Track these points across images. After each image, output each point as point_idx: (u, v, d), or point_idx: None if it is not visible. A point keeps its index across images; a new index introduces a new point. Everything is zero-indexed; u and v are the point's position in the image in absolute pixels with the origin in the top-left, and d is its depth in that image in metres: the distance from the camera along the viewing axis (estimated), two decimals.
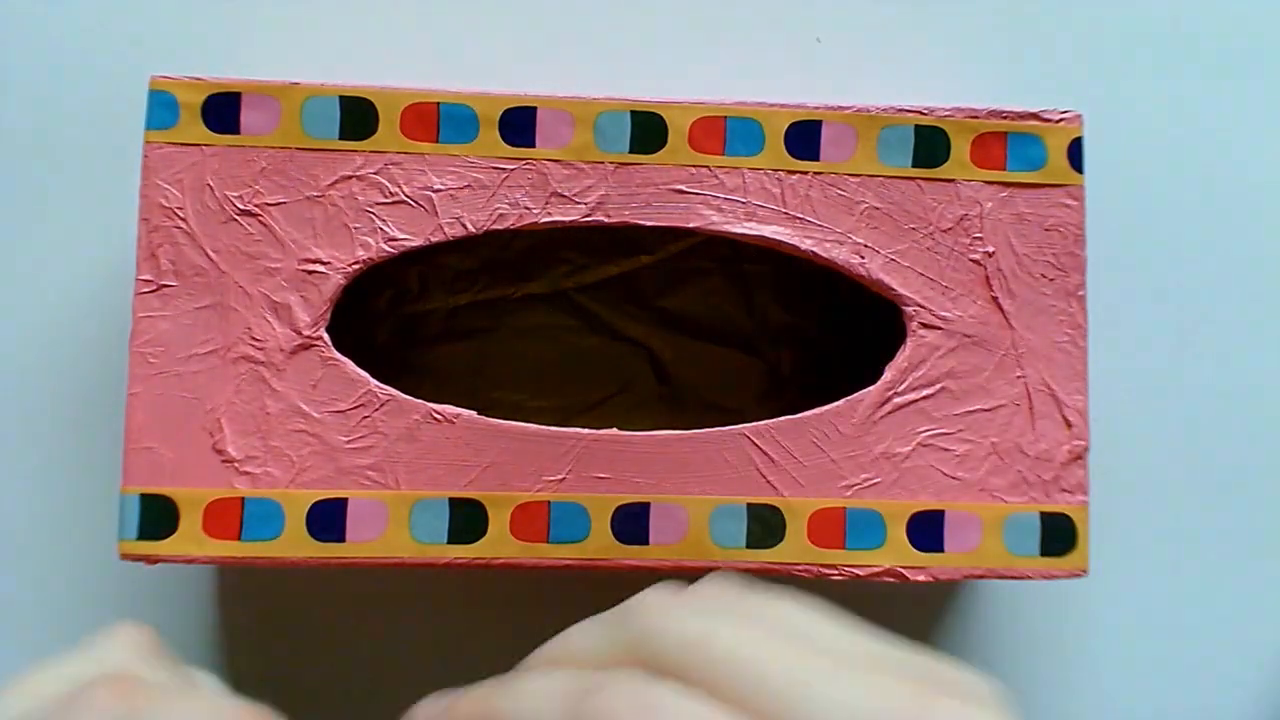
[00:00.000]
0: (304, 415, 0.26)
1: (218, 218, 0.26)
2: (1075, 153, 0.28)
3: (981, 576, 0.27)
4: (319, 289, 0.27)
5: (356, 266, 0.27)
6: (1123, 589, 0.34)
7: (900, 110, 0.28)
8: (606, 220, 0.27)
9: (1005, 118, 0.28)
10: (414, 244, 0.27)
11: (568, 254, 0.33)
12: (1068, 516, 0.27)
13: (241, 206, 0.27)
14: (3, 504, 0.32)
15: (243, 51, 0.33)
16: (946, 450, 0.27)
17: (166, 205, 0.26)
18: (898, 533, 0.27)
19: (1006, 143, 0.28)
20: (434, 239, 0.27)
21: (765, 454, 0.27)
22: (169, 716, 0.17)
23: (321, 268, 0.27)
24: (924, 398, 0.27)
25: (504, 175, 0.27)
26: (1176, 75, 0.35)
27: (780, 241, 0.27)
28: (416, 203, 0.27)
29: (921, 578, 0.27)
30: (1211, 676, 0.34)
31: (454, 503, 0.26)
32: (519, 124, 0.27)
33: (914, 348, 0.27)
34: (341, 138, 0.27)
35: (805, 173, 0.27)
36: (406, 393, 0.26)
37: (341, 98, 0.27)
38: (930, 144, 0.28)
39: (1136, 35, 0.35)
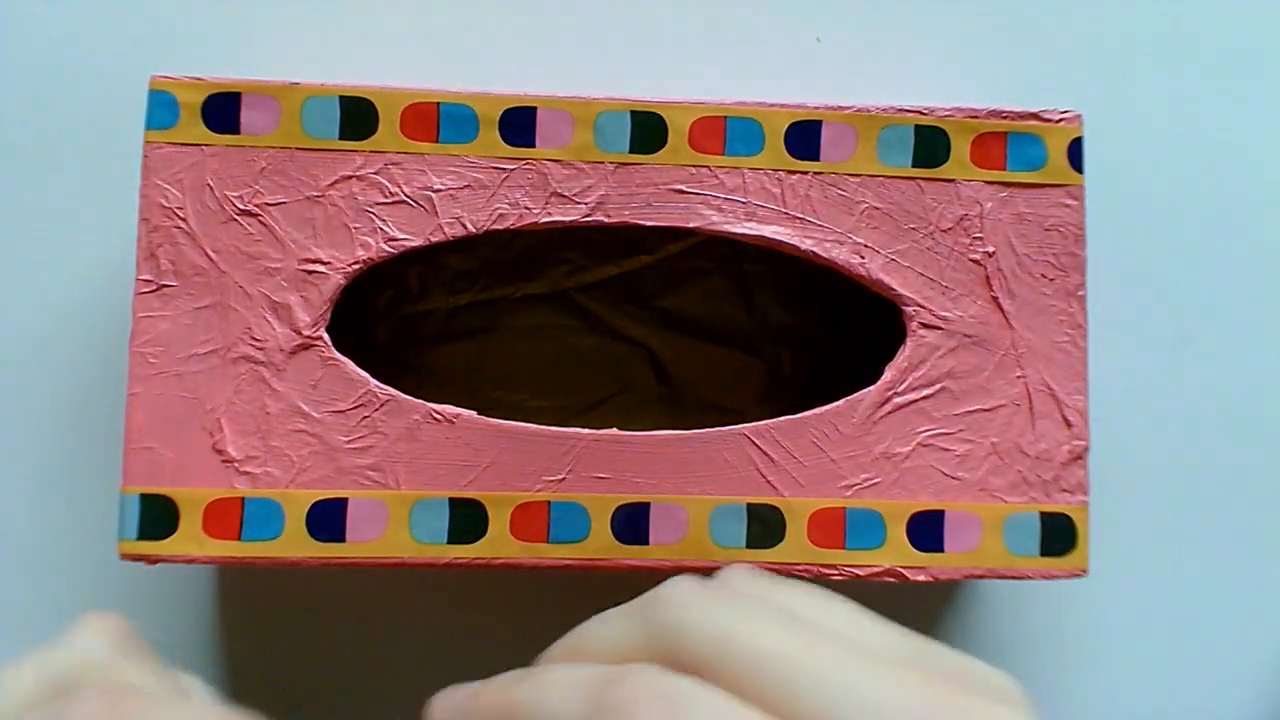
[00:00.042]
0: (304, 415, 0.26)
1: (218, 218, 0.26)
2: (1075, 153, 0.28)
3: (981, 576, 0.27)
4: (319, 289, 0.27)
5: (356, 266, 0.27)
6: (1123, 589, 0.34)
7: (900, 110, 0.28)
8: (606, 220, 0.27)
9: (1005, 118, 0.28)
10: (414, 244, 0.27)
11: (568, 254, 0.33)
12: (1068, 516, 0.27)
13: (241, 206, 0.27)
14: (3, 504, 0.32)
15: (243, 51, 0.33)
16: (946, 450, 0.27)
17: (166, 205, 0.26)
18: (898, 533, 0.27)
19: (1006, 143, 0.28)
20: (434, 239, 0.27)
21: (765, 454, 0.27)
22: None
23: (321, 268, 0.27)
24: (924, 398, 0.27)
25: (504, 175, 0.27)
26: (1176, 75, 0.35)
27: (780, 241, 0.27)
28: (416, 203, 0.27)
29: (921, 578, 0.27)
30: (1211, 676, 0.34)
31: (454, 503, 0.26)
32: (519, 124, 0.27)
33: (914, 348, 0.27)
34: (341, 138, 0.27)
35: (805, 173, 0.27)
36: (406, 393, 0.26)
37: (341, 98, 0.27)
38: (930, 144, 0.28)
39: (1136, 35, 0.35)
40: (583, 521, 0.26)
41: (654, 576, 0.26)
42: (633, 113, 0.27)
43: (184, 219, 0.26)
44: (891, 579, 0.27)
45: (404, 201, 0.27)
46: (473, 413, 0.26)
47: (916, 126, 0.28)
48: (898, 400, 0.27)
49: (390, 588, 0.33)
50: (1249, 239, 0.35)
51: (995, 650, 0.34)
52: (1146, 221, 0.35)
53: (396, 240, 0.27)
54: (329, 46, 0.33)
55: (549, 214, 0.27)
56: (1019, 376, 0.28)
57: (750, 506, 0.27)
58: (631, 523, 0.26)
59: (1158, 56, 0.35)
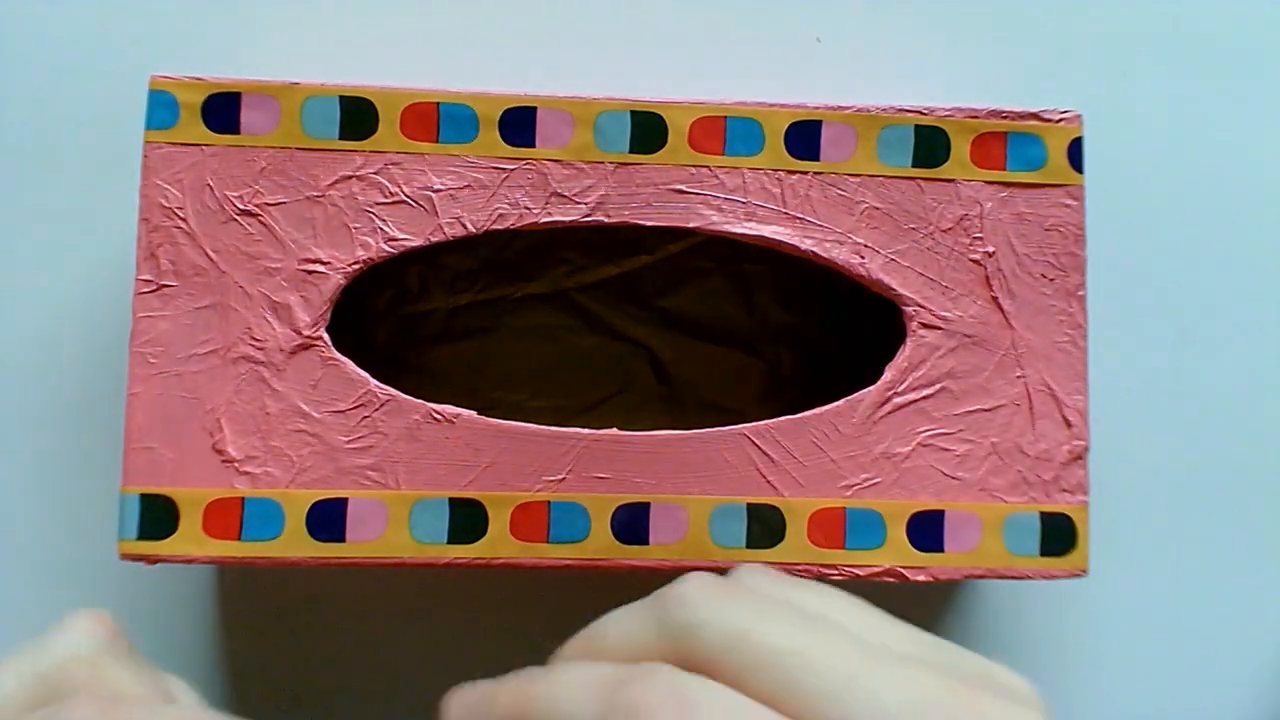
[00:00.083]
0: (304, 415, 0.26)
1: (218, 218, 0.26)
2: (1075, 153, 0.28)
3: (981, 576, 0.27)
4: (319, 289, 0.27)
5: (356, 266, 0.27)
6: (1123, 589, 0.34)
7: (900, 110, 0.28)
8: (606, 220, 0.27)
9: (1005, 118, 0.28)
10: (414, 244, 0.27)
11: (568, 254, 0.33)
12: (1068, 516, 0.27)
13: (241, 206, 0.27)
14: (3, 504, 0.32)
15: (243, 51, 0.33)
16: (946, 450, 0.27)
17: (166, 205, 0.26)
18: (898, 533, 0.27)
19: (1006, 143, 0.28)
20: (434, 239, 0.27)
21: (765, 454, 0.27)
22: None
23: (321, 268, 0.27)
24: (924, 398, 0.27)
25: (504, 175, 0.27)
26: (1176, 75, 0.35)
27: (780, 241, 0.27)
28: (416, 203, 0.27)
29: (921, 578, 0.27)
30: (1211, 676, 0.34)
31: (454, 503, 0.26)
32: (519, 124, 0.27)
33: (914, 348, 0.27)
34: (341, 138, 0.27)
35: (805, 173, 0.27)
36: (406, 393, 0.26)
37: (341, 98, 0.27)
38: (930, 144, 0.28)
39: (1136, 35, 0.35)
40: (583, 521, 0.26)
41: (654, 576, 0.26)
42: (633, 113, 0.27)
43: (184, 219, 0.26)
44: (891, 579, 0.27)
45: (404, 201, 0.27)
46: (473, 413, 0.26)
47: (916, 126, 0.28)
48: (898, 400, 0.27)
49: (390, 588, 0.33)
50: (1249, 239, 0.35)
51: (995, 650, 0.34)
52: (1146, 221, 0.35)
53: (396, 240, 0.27)
54: (329, 46, 0.33)
55: (549, 214, 0.27)
56: (1019, 376, 0.28)
57: (750, 506, 0.27)
58: (631, 523, 0.26)
59: (1158, 56, 0.35)
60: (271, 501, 0.26)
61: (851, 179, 0.28)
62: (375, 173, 0.27)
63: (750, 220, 0.27)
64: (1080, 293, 0.28)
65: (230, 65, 0.33)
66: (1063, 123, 0.28)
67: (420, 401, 0.26)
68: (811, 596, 0.18)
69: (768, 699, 0.16)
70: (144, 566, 0.32)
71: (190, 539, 0.26)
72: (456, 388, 0.33)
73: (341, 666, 0.32)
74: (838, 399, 0.27)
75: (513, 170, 0.27)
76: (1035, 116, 0.28)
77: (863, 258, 0.28)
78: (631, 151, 0.27)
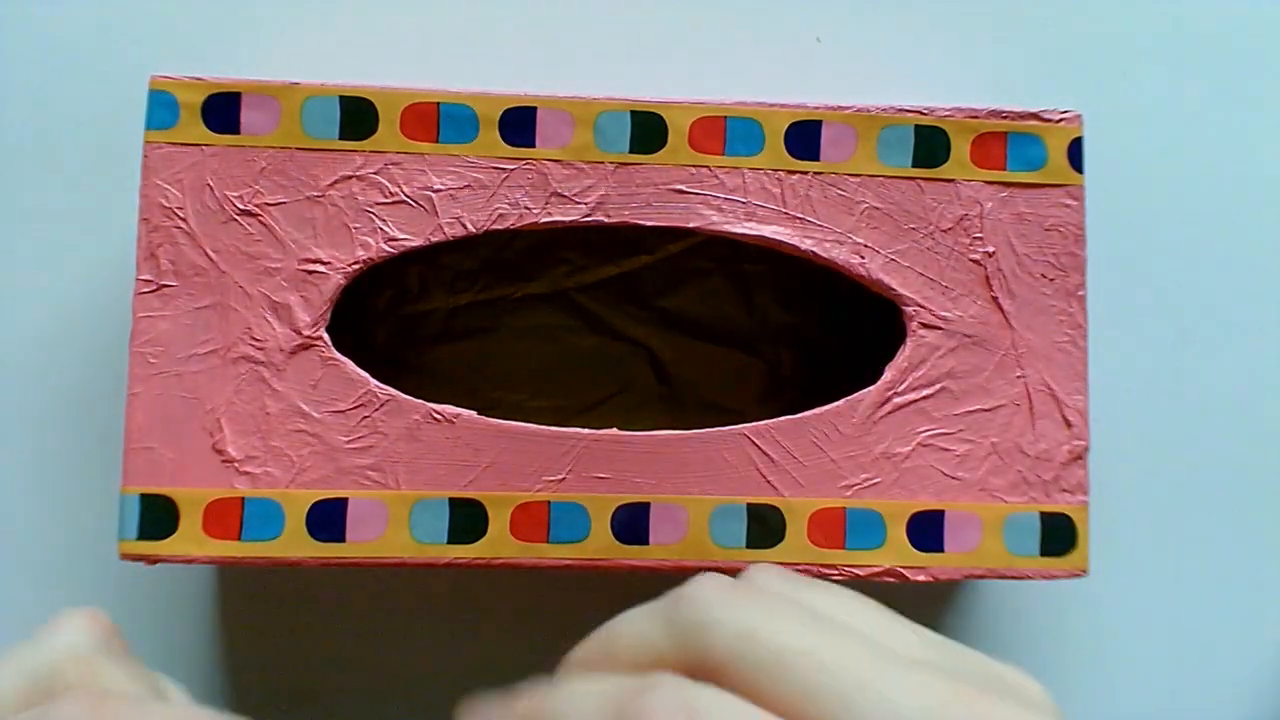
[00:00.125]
0: (304, 415, 0.26)
1: (218, 218, 0.26)
2: (1075, 153, 0.28)
3: (981, 576, 0.27)
4: (319, 289, 0.27)
5: (356, 266, 0.27)
6: (1123, 589, 0.34)
7: (900, 110, 0.28)
8: (606, 220, 0.27)
9: (1005, 118, 0.28)
10: (414, 244, 0.27)
11: (568, 254, 0.33)
12: (1068, 516, 0.27)
13: (241, 206, 0.27)
14: (3, 504, 0.32)
15: (243, 51, 0.33)
16: (946, 450, 0.27)
17: (166, 205, 0.26)
18: (898, 533, 0.27)
19: (1006, 143, 0.28)
20: (434, 239, 0.27)
21: (765, 454, 0.27)
22: None
23: (321, 268, 0.27)
24: (924, 398, 0.27)
25: (504, 175, 0.27)
26: (1176, 75, 0.35)
27: (780, 241, 0.27)
28: (416, 203, 0.27)
29: (921, 578, 0.27)
30: (1211, 676, 0.34)
31: (454, 503, 0.26)
32: (519, 124, 0.27)
33: (914, 348, 0.27)
34: (341, 138, 0.27)
35: (805, 173, 0.27)
36: (406, 393, 0.26)
37: (341, 98, 0.27)
38: (930, 144, 0.28)
39: (1136, 35, 0.35)
40: (583, 521, 0.26)
41: (654, 576, 0.26)
42: (633, 113, 0.27)
43: (184, 219, 0.26)
44: (891, 579, 0.27)
45: (404, 201, 0.27)
46: (473, 413, 0.26)
47: (916, 126, 0.28)
48: (898, 400, 0.27)
49: (390, 588, 0.33)
50: (1249, 239, 0.35)
51: (995, 650, 0.34)
52: (1146, 221, 0.35)
53: (396, 240, 0.27)
54: (329, 46, 0.33)
55: (549, 214, 0.27)
56: (1019, 376, 0.28)
57: (750, 506, 0.27)
58: (631, 523, 0.26)
59: (1158, 56, 0.35)
60: (271, 501, 0.26)
61: (851, 179, 0.28)
62: (375, 173, 0.27)
63: (750, 220, 0.27)
64: (1080, 293, 0.28)
65: (230, 65, 0.33)
66: (1063, 123, 0.28)
67: (420, 401, 0.26)
68: (824, 597, 0.18)
69: (780, 700, 0.16)
70: (144, 566, 0.32)
71: (190, 539, 0.26)
72: (456, 388, 0.33)
73: (341, 666, 0.32)
74: (838, 399, 0.27)
75: (513, 170, 0.27)
76: (1035, 116, 0.28)
77: (863, 258, 0.28)
78: (631, 151, 0.27)
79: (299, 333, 0.26)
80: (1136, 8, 0.35)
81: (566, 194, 0.27)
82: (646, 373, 0.33)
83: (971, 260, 0.28)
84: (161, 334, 0.26)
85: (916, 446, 0.27)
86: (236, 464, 0.26)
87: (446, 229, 0.27)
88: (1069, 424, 0.27)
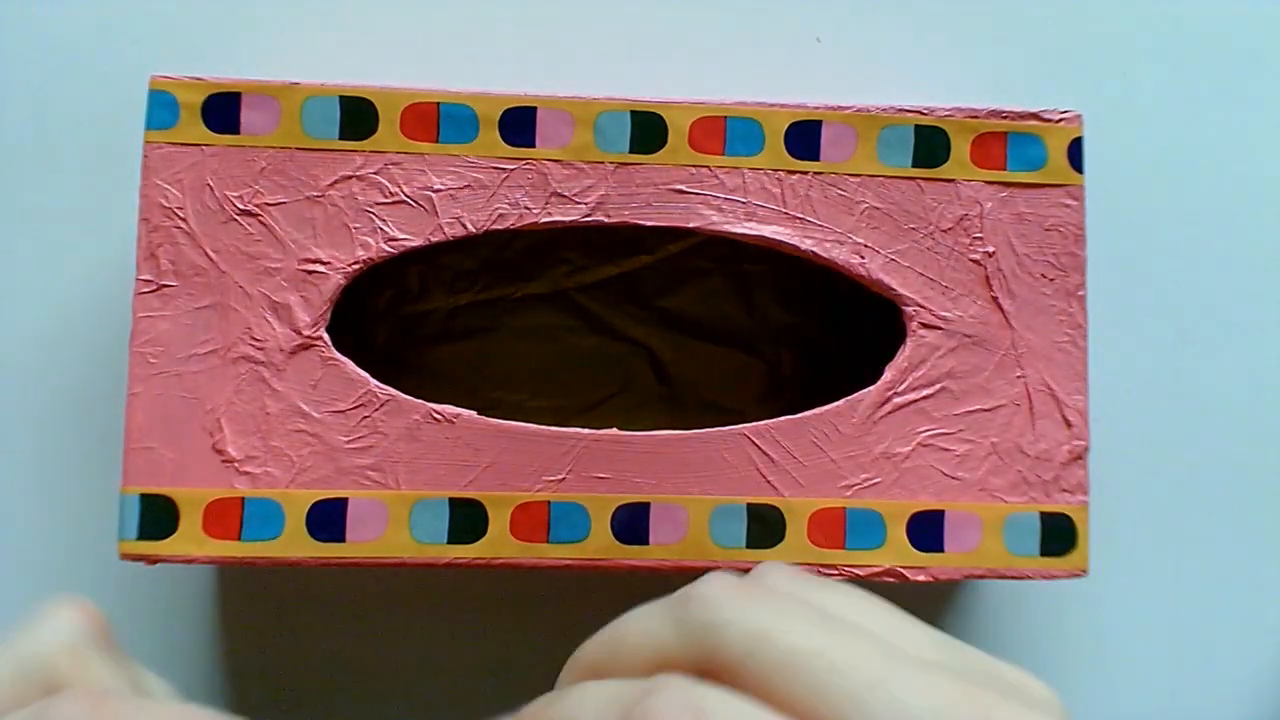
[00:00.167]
0: (304, 415, 0.26)
1: (218, 218, 0.26)
2: (1075, 153, 0.28)
3: (981, 576, 0.27)
4: (319, 289, 0.27)
5: (356, 266, 0.27)
6: (1123, 589, 0.34)
7: (900, 110, 0.28)
8: (606, 220, 0.27)
9: (1005, 118, 0.28)
10: (414, 244, 0.27)
11: (568, 254, 0.33)
12: (1068, 516, 0.27)
13: (241, 206, 0.27)
14: (3, 504, 0.32)
15: (243, 51, 0.33)
16: (946, 450, 0.27)
17: (166, 205, 0.26)
18: (898, 533, 0.27)
19: (1006, 143, 0.28)
20: (434, 239, 0.27)
21: (765, 454, 0.27)
22: None
23: (321, 268, 0.27)
24: (924, 398, 0.27)
25: (504, 175, 0.27)
26: (1176, 75, 0.35)
27: (780, 241, 0.27)
28: (416, 203, 0.27)
29: (921, 578, 0.27)
30: (1211, 676, 0.34)
31: (454, 503, 0.26)
32: (519, 124, 0.27)
33: (914, 348, 0.27)
34: (341, 138, 0.27)
35: (805, 173, 0.27)
36: (406, 393, 0.26)
37: (341, 98, 0.27)
38: (930, 144, 0.28)
39: (1136, 35, 0.35)
40: (583, 521, 0.26)
41: (654, 576, 0.26)
42: (633, 113, 0.27)
43: (184, 219, 0.26)
44: (891, 579, 0.27)
45: (404, 201, 0.27)
46: (473, 413, 0.26)
47: (916, 126, 0.28)
48: (898, 400, 0.27)
49: (390, 588, 0.33)
50: (1249, 239, 0.35)
51: (995, 650, 0.34)
52: (1146, 221, 0.35)
53: (396, 240, 0.27)
54: (329, 46, 0.33)
55: (549, 214, 0.27)
56: (1019, 376, 0.28)
57: (750, 506, 0.27)
58: (631, 523, 0.26)
59: (1158, 56, 0.35)
60: (271, 501, 0.26)
61: (851, 179, 0.28)
62: (375, 173, 0.27)
63: (750, 220, 0.27)
64: (1080, 293, 0.28)
65: (230, 65, 0.33)
66: (1063, 123, 0.28)
67: (420, 401, 0.26)
68: (834, 596, 0.18)
69: (790, 701, 0.16)
70: (144, 566, 0.32)
71: (190, 539, 0.26)
72: (456, 388, 0.33)
73: (341, 666, 0.32)
74: (838, 399, 0.27)
75: (513, 170, 0.27)
76: (1035, 116, 0.28)
77: (863, 258, 0.28)
78: (631, 151, 0.27)
79: (299, 333, 0.26)
80: (1136, 8, 0.35)
81: (566, 194, 0.27)
82: (646, 373, 0.33)
83: (971, 260, 0.28)
84: (161, 334, 0.26)
85: (916, 446, 0.27)
86: (236, 464, 0.26)
87: (446, 229, 0.27)
88: (1069, 424, 0.27)
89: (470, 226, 0.27)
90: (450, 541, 0.26)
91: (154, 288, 0.26)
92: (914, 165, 0.28)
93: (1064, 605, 0.34)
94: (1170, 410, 0.34)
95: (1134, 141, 0.35)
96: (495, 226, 0.27)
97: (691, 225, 0.27)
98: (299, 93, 0.27)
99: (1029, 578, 0.27)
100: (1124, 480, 0.34)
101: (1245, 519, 0.34)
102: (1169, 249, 0.35)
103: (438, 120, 0.27)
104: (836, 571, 0.27)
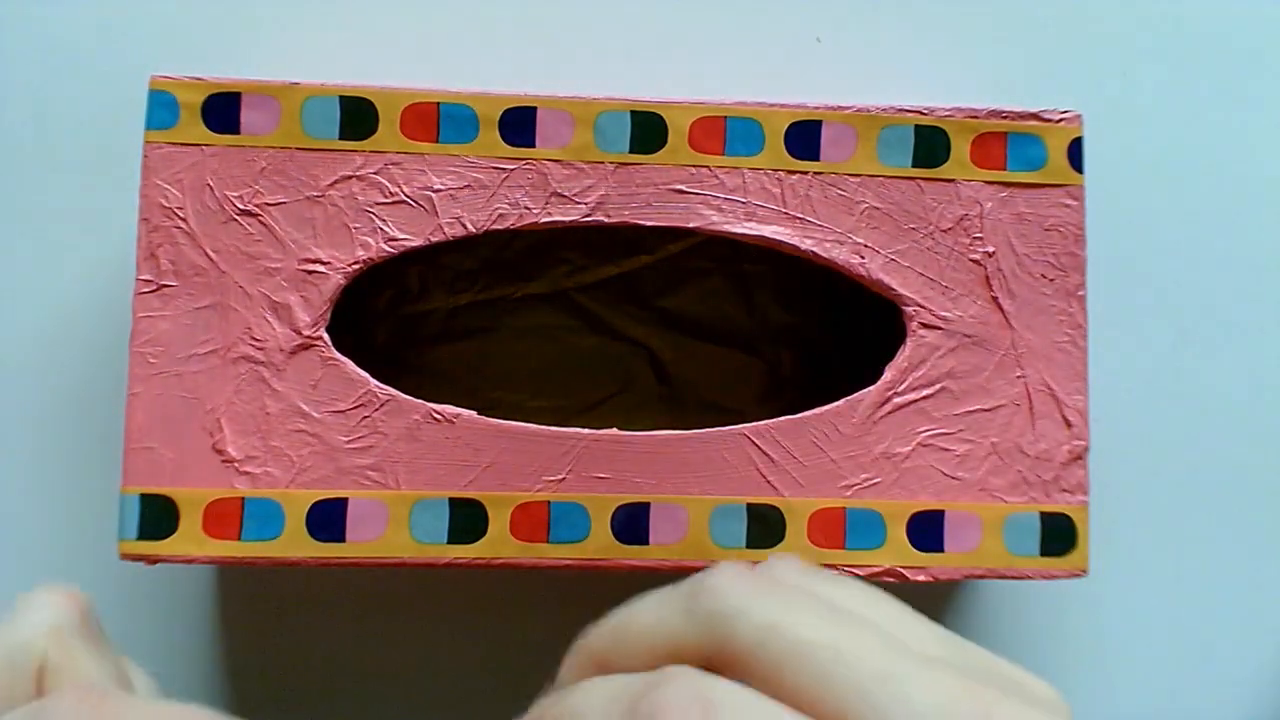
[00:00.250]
0: (304, 415, 0.26)
1: (218, 218, 0.26)
2: (1075, 153, 0.28)
3: (981, 576, 0.27)
4: (319, 289, 0.27)
5: (356, 266, 0.27)
6: (1123, 589, 0.34)
7: (900, 110, 0.28)
8: (606, 220, 0.27)
9: (1005, 118, 0.28)
10: (414, 244, 0.27)
11: (568, 254, 0.33)
12: (1068, 516, 0.27)
13: (241, 206, 0.27)
14: (3, 504, 0.32)
15: (243, 51, 0.33)
16: (946, 450, 0.27)
17: (166, 205, 0.26)
18: (898, 533, 0.27)
19: (1006, 143, 0.28)
20: (434, 239, 0.27)
21: (765, 454, 0.27)
22: None
23: (321, 268, 0.27)
24: (924, 398, 0.27)
25: (504, 175, 0.27)
26: (1176, 75, 0.35)
27: (780, 241, 0.27)
28: (416, 203, 0.27)
29: (921, 578, 0.27)
30: (1211, 676, 0.34)
31: (454, 503, 0.26)
32: (519, 124, 0.27)
33: (914, 348, 0.27)
34: (341, 138, 0.27)
35: (805, 173, 0.27)
36: (406, 393, 0.26)
37: (341, 98, 0.27)
38: (930, 144, 0.28)
39: (1136, 35, 0.35)
40: (583, 521, 0.26)
41: (654, 576, 0.26)
42: (633, 113, 0.27)
43: (184, 219, 0.26)
44: (891, 579, 0.27)
45: (404, 201, 0.27)
46: (473, 413, 0.26)
47: (916, 126, 0.28)
48: (898, 400, 0.27)
49: (390, 588, 0.33)
50: (1249, 239, 0.35)
51: (995, 650, 0.33)
52: (1146, 221, 0.35)
53: (396, 240, 0.27)
54: (329, 46, 0.33)
55: (549, 214, 0.27)
56: (1019, 376, 0.28)
57: (750, 506, 0.27)
58: (631, 523, 0.26)
59: (1158, 56, 0.35)
60: (271, 501, 0.26)
61: (851, 179, 0.28)
62: (375, 173, 0.27)
63: (750, 220, 0.27)
64: (1080, 293, 0.28)
65: (230, 65, 0.33)
66: (1063, 123, 0.28)
67: (420, 401, 0.26)
68: (841, 590, 0.18)
69: (798, 692, 0.16)
70: (144, 566, 0.32)
71: (190, 539, 0.26)
72: (456, 388, 0.33)
73: (341, 666, 0.32)
74: (838, 399, 0.27)
75: (513, 170, 0.27)
76: (1035, 116, 0.28)
77: (863, 258, 0.28)
78: (631, 151, 0.27)
79: (299, 333, 0.26)
80: (1136, 8, 0.35)
81: (566, 194, 0.27)
82: (646, 373, 0.33)
83: (971, 260, 0.28)
84: (161, 334, 0.26)
85: (916, 446, 0.27)
86: (236, 464, 0.26)
87: (446, 229, 0.27)
88: (1069, 424, 0.27)
89: (470, 226, 0.27)
90: (450, 541, 0.26)
91: (154, 288, 0.26)
92: (914, 165, 0.28)
93: (1064, 605, 0.34)
94: (1170, 410, 0.34)
95: (1134, 141, 0.35)
96: (495, 226, 0.27)
97: (691, 225, 0.27)
98: (299, 93, 0.27)
99: (1029, 578, 0.27)
100: (1124, 480, 0.34)
101: (1245, 519, 0.34)
102: (1169, 249, 0.35)
103: (438, 120, 0.27)
104: (836, 572, 0.27)
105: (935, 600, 0.34)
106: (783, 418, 0.27)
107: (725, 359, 0.34)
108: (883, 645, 0.16)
